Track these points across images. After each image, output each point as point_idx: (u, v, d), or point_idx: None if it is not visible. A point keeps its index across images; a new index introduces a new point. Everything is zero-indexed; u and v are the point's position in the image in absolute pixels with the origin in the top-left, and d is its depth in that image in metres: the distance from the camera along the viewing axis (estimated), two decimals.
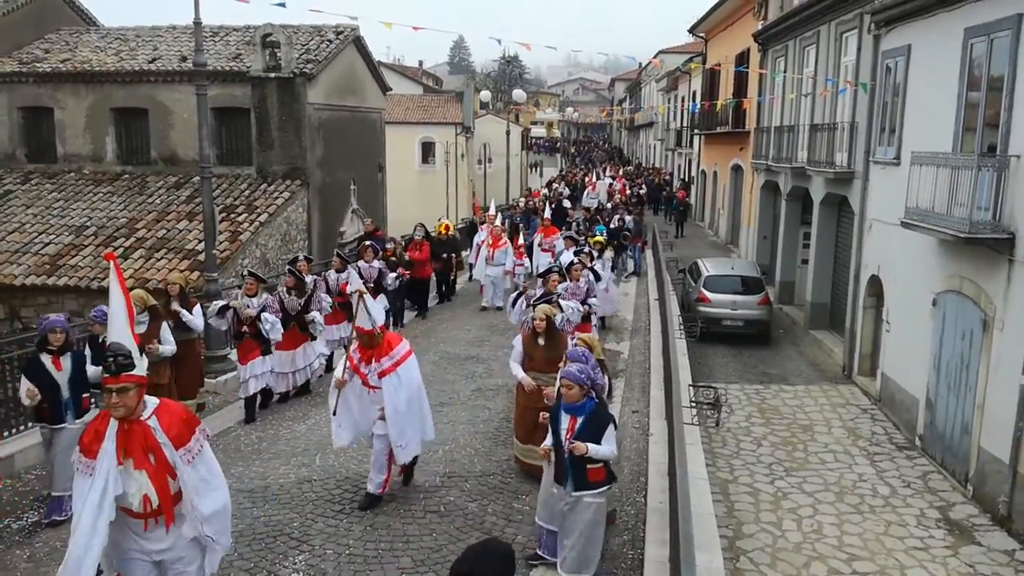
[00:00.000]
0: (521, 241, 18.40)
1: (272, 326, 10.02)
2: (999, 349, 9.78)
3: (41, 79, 20.98)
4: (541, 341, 8.00)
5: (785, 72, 20.27)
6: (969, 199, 9.84)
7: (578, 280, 11.66)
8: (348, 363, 7.34)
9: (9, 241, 18.13)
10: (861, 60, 15.24)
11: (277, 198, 19.31)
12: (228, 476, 7.98)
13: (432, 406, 10.45)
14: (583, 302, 11.34)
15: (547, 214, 20.41)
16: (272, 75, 19.64)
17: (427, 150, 44.28)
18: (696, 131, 34.90)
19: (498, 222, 17.77)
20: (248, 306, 9.96)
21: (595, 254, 14.53)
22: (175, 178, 20.36)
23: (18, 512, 7.50)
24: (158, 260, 17.14)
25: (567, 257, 14.15)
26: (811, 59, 18.85)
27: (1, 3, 21.72)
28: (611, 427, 5.97)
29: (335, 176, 21.65)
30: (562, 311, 9.03)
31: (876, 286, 14.32)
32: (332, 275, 12.61)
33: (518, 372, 8.03)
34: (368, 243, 14.04)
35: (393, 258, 14.78)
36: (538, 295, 9.60)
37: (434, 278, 17.59)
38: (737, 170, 27.55)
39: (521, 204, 26.50)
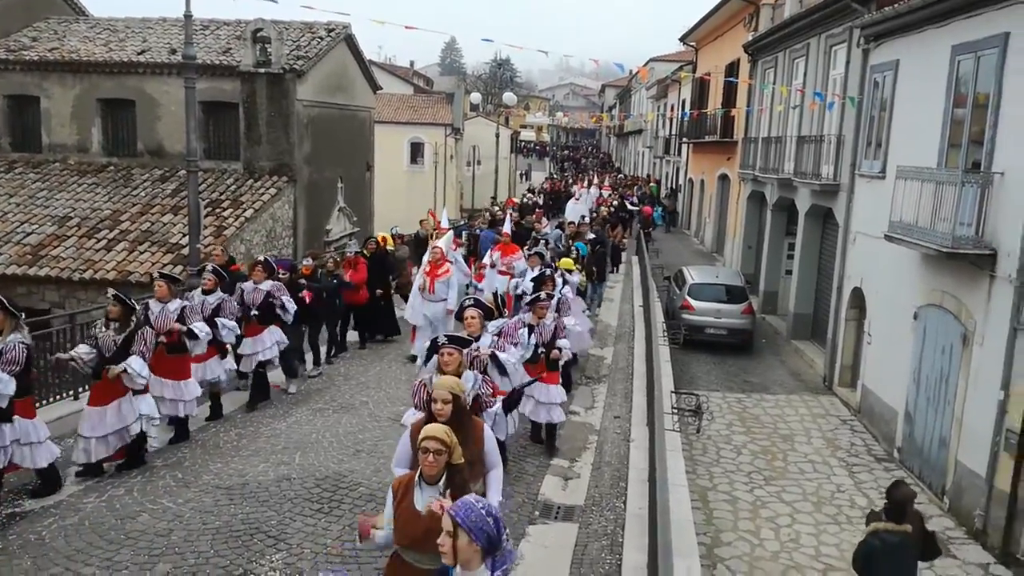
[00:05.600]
0: (486, 260, 14.45)
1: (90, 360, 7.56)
2: (978, 363, 9.88)
3: (28, 67, 20.78)
4: None
5: (774, 84, 20.40)
6: (952, 214, 9.95)
7: (542, 318, 8.99)
8: None
9: None
10: (849, 74, 15.36)
11: (263, 194, 19.21)
12: (206, 473, 7.99)
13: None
14: (550, 344, 8.90)
15: (507, 227, 15.21)
16: (262, 70, 19.55)
17: (416, 150, 44.30)
18: (684, 139, 35.03)
19: (442, 243, 12.40)
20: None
21: (562, 279, 11.90)
22: (161, 171, 20.21)
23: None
24: (141, 253, 17.03)
25: (528, 279, 11.74)
26: (800, 71, 18.98)
27: None
28: None
29: (322, 174, 21.56)
30: (483, 374, 6.78)
31: (859, 298, 14.42)
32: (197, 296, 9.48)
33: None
34: (262, 259, 10.55)
35: (332, 278, 12.14)
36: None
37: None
38: (724, 179, 27.69)
39: (490, 214, 22.54)
